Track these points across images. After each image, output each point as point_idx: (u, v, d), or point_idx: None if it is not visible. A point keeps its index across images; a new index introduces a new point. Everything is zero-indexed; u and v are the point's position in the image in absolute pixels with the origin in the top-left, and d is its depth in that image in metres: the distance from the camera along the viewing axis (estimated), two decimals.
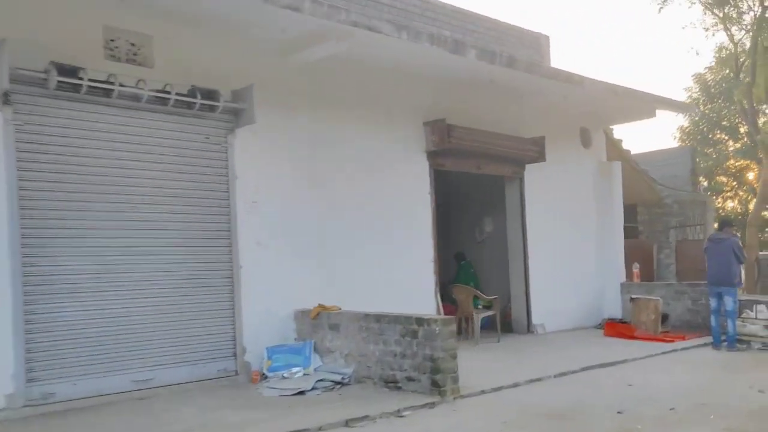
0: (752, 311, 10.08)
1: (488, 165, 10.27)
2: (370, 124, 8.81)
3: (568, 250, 11.65)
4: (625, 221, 15.00)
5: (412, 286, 9.06)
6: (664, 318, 11.08)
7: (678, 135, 32.56)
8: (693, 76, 29.61)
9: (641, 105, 11.19)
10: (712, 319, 9.64)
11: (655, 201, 14.19)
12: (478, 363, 8.13)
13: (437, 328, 6.35)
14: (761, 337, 9.75)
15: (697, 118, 31.39)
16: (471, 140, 9.50)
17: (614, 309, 11.90)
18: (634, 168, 13.59)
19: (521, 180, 10.85)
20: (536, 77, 8.92)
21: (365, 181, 8.69)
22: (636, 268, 11.97)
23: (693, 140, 31.68)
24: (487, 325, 11.01)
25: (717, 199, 30.18)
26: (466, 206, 12.54)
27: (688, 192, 14.46)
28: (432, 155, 9.46)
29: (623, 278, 12.13)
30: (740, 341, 9.69)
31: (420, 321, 6.50)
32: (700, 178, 30.74)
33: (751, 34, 14.45)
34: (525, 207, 10.85)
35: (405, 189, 9.16)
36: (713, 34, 14.64)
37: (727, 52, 14.55)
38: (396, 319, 6.74)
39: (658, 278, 14.04)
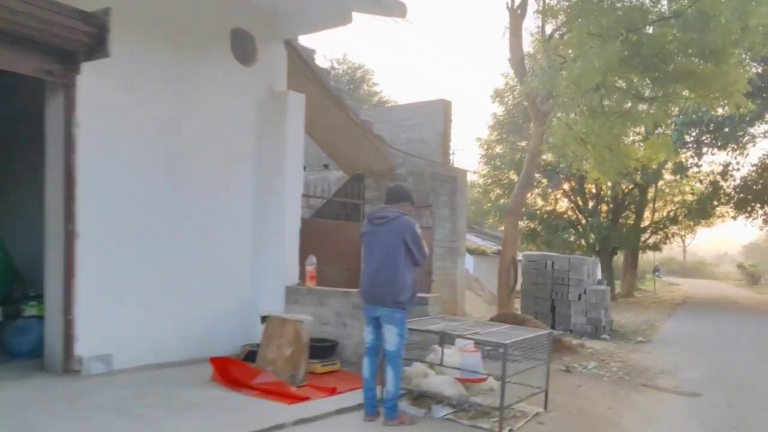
0: (442, 350, 5.79)
1: None
2: None
3: (189, 229, 6.87)
4: (349, 196, 10.63)
5: None
6: (330, 349, 6.66)
7: (492, 123, 30.56)
8: (509, 60, 26.86)
9: None
10: (365, 364, 5.22)
11: (384, 170, 9.86)
12: None
13: None
14: (449, 397, 5.48)
15: (511, 107, 29.20)
16: None
17: None
18: (351, 118, 9.11)
19: (69, 90, 5.78)
20: None
21: None
22: (311, 265, 7.42)
23: (506, 130, 29.80)
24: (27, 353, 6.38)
25: (528, 196, 27.70)
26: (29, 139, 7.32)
27: (432, 162, 10.26)
28: None
29: (295, 279, 7.58)
30: (418, 399, 5.45)
31: None
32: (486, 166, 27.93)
33: None
34: (75, 142, 5.80)
35: None
36: None
37: None
38: None
39: None
